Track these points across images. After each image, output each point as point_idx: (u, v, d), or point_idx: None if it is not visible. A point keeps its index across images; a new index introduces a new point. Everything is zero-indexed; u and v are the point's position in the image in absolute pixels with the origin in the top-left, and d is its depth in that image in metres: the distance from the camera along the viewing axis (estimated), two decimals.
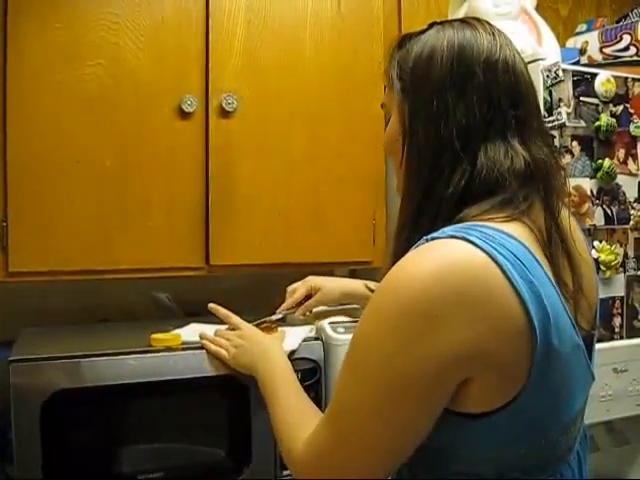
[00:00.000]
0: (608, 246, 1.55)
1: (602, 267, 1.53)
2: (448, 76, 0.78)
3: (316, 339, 1.34)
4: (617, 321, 1.57)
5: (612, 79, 1.55)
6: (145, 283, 1.63)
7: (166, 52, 1.45)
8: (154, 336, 1.27)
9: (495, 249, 0.69)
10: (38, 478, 1.12)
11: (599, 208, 1.55)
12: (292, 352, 1.25)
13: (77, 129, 1.38)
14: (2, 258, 1.33)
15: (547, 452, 0.76)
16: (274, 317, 1.37)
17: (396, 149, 0.84)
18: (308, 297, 1.41)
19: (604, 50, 1.80)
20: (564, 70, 1.49)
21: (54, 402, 1.13)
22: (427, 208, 0.78)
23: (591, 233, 1.52)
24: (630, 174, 1.60)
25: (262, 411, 1.01)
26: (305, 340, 1.32)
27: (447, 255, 0.69)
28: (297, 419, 0.90)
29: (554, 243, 0.76)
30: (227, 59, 1.50)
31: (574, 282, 0.77)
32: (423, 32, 0.83)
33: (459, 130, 0.76)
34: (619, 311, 1.57)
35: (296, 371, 1.08)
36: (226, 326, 1.27)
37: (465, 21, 0.83)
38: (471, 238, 0.69)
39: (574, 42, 1.90)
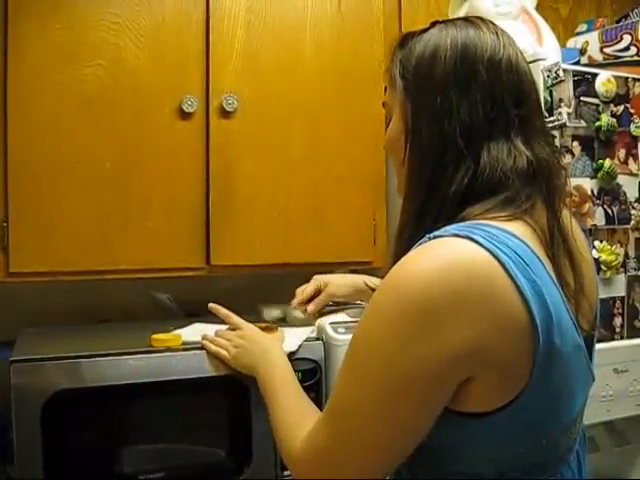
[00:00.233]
0: (609, 246, 1.55)
1: (603, 267, 1.53)
2: (452, 74, 0.77)
3: (317, 339, 1.34)
4: (618, 321, 1.57)
5: (612, 79, 1.55)
6: (145, 283, 1.63)
7: (166, 52, 1.45)
8: (154, 336, 1.27)
9: (498, 248, 0.68)
10: (39, 478, 1.12)
11: (600, 208, 1.55)
12: (292, 352, 1.25)
13: (77, 129, 1.38)
14: (2, 258, 1.33)
15: (547, 452, 0.76)
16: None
17: (398, 148, 0.83)
18: (317, 295, 1.41)
19: (604, 50, 1.80)
20: (564, 70, 1.49)
21: (55, 402, 1.13)
22: (430, 206, 0.77)
23: (592, 233, 1.52)
24: (631, 174, 1.60)
25: (262, 411, 1.01)
26: (305, 340, 1.31)
27: (450, 254, 0.69)
28: (297, 419, 0.89)
29: (556, 242, 0.76)
30: (227, 59, 1.50)
31: (575, 282, 0.77)
32: (425, 31, 0.83)
33: (462, 128, 0.76)
34: (620, 311, 1.57)
35: (296, 371, 1.08)
36: (226, 326, 1.27)
37: (468, 20, 0.83)
38: (475, 237, 0.69)
39: (574, 42, 1.90)
